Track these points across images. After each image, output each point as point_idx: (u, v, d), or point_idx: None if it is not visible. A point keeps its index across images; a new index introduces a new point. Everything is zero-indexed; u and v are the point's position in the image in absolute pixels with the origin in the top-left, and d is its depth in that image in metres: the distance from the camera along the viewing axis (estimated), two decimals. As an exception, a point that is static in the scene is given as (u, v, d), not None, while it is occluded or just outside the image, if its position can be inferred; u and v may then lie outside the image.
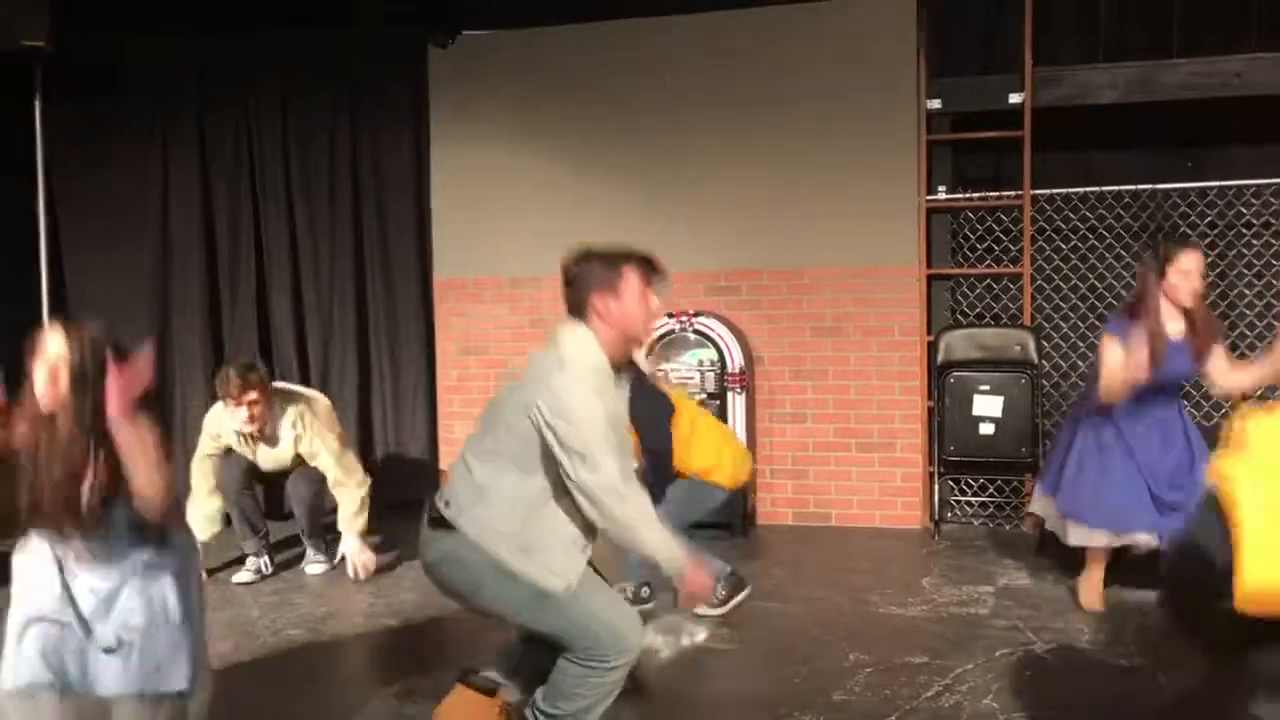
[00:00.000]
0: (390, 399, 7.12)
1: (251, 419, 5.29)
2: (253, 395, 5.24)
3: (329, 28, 6.88)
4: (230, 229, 7.04)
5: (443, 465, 6.99)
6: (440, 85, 7.02)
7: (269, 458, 5.53)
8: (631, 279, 3.08)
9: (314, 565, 5.73)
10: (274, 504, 6.14)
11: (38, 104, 6.43)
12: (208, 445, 5.55)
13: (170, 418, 6.83)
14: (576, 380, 3.00)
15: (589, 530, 3.11)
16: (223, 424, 5.45)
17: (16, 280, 6.52)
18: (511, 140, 6.93)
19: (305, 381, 6.75)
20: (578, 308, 3.09)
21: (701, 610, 4.67)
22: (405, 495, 6.04)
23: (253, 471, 5.60)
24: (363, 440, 6.94)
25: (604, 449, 2.96)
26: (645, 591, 4.87)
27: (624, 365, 3.21)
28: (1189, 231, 6.30)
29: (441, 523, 3.11)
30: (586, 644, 3.05)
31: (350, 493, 5.51)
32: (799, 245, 6.58)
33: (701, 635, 4.58)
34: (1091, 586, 4.80)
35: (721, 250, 6.64)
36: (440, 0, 6.93)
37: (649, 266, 3.13)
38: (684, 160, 6.70)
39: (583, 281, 3.07)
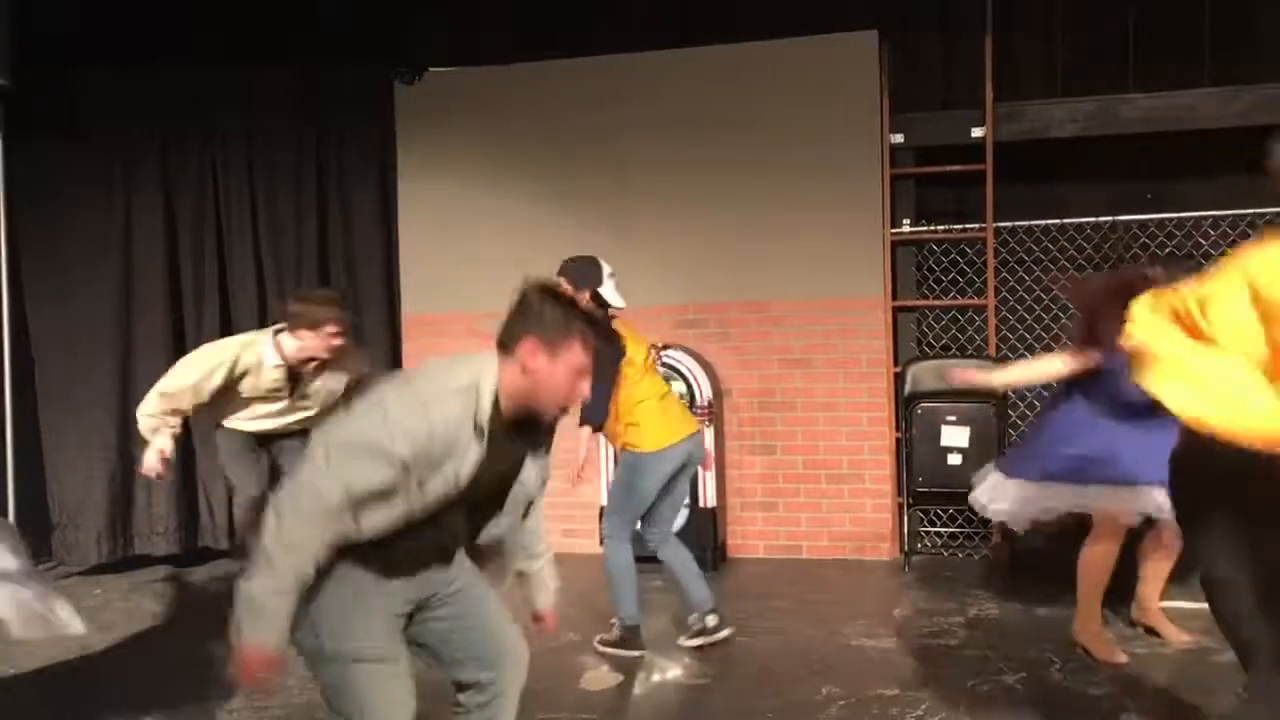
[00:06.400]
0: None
1: (330, 349, 5.00)
2: (336, 329, 4.98)
3: (295, 64, 6.88)
4: (194, 266, 6.99)
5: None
6: (407, 122, 7.03)
7: (296, 407, 5.23)
8: (575, 349, 2.59)
9: None
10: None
11: (-1, 141, 6.38)
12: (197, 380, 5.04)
13: (131, 449, 6.77)
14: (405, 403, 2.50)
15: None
16: (261, 354, 5.03)
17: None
18: (479, 176, 6.95)
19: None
20: (506, 341, 2.60)
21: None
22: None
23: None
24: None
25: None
26: (712, 620, 4.88)
27: (528, 429, 2.68)
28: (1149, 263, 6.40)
29: None
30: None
31: None
32: (767, 278, 6.62)
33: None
34: (1097, 634, 4.59)
35: (689, 284, 6.67)
36: (407, 37, 6.96)
37: (596, 346, 2.64)
38: (652, 195, 6.74)
39: (528, 316, 2.59)
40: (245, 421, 5.31)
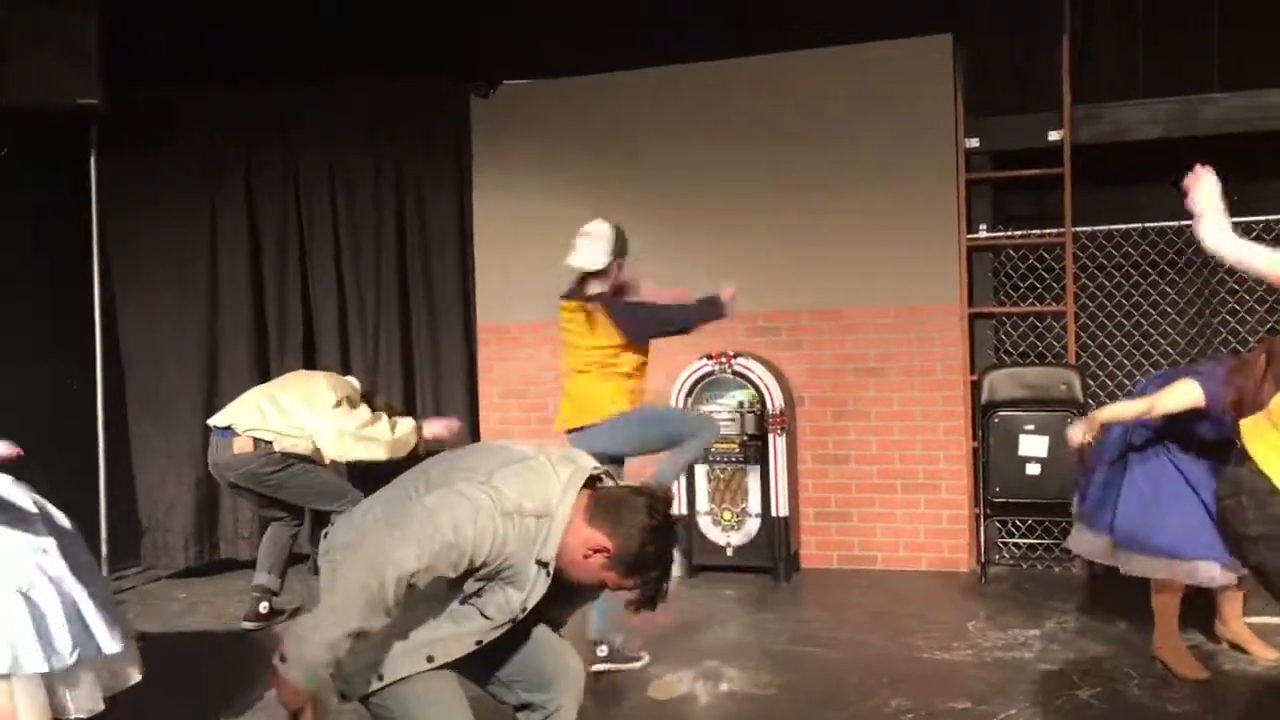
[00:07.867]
0: (434, 443, 7.18)
1: None
2: None
3: (373, 79, 7.03)
4: (278, 277, 7.16)
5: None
6: (482, 134, 7.13)
7: None
8: (630, 584, 2.66)
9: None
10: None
11: (93, 161, 6.59)
12: None
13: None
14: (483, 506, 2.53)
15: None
16: None
17: (70, 334, 6.68)
18: (552, 187, 7.00)
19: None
20: (598, 513, 2.63)
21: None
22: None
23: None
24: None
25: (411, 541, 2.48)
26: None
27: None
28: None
29: None
30: None
31: None
32: (840, 285, 6.58)
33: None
34: (1177, 648, 4.48)
35: (761, 291, 6.63)
36: (481, 52, 7.06)
37: (633, 572, 2.63)
38: (723, 202, 6.74)
39: (630, 533, 2.60)
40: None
